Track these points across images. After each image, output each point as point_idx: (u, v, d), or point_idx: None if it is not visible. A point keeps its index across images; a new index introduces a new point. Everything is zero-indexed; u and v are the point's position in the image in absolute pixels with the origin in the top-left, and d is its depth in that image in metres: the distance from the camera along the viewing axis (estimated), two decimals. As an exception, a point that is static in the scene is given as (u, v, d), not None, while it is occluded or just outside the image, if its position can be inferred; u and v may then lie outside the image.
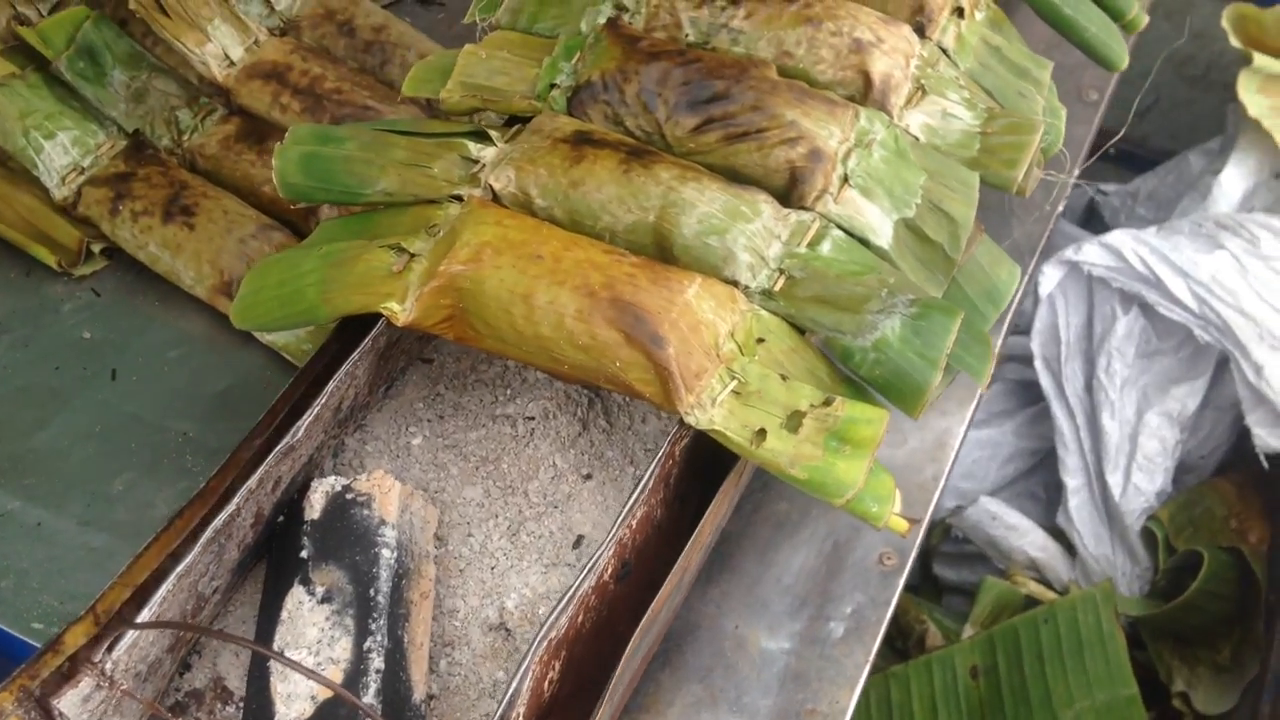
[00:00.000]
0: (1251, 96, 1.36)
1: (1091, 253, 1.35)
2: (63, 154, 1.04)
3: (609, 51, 0.83)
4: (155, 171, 1.04)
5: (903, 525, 0.70)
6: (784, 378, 0.71)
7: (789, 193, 0.80)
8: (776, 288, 0.75)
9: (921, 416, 0.99)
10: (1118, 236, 1.34)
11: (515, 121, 0.85)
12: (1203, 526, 1.36)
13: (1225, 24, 1.36)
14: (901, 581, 0.92)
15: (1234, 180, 1.39)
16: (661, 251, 0.75)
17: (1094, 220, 1.75)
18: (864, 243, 0.80)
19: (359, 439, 0.79)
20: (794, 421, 0.69)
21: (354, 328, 0.75)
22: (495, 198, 0.77)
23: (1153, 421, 1.35)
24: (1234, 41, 1.36)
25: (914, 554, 0.95)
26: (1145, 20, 1.07)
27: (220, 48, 1.12)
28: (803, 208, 0.80)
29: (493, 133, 0.80)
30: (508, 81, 0.85)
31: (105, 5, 1.15)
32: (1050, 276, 1.38)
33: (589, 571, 0.63)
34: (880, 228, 0.81)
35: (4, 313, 1.02)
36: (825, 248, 0.77)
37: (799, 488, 0.69)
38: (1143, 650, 1.39)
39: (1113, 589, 1.30)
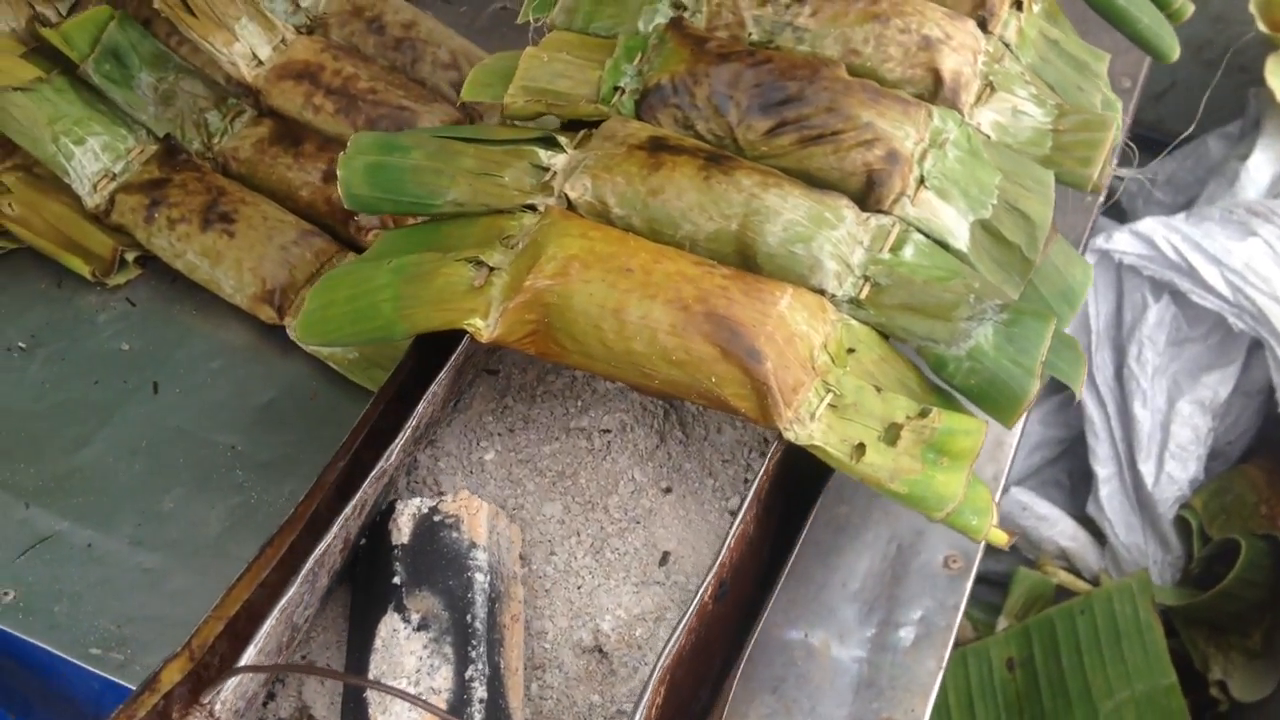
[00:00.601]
0: None
1: (1122, 241, 1.35)
2: (94, 160, 1.01)
3: (677, 53, 0.81)
4: (191, 177, 1.01)
5: (1002, 538, 0.69)
6: (878, 389, 0.70)
7: (866, 196, 0.78)
8: (863, 295, 0.73)
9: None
10: (1149, 224, 1.33)
11: (577, 126, 0.82)
12: (1235, 514, 1.36)
13: (1253, 8, 1.35)
14: (969, 584, 0.91)
15: (1262, 166, 1.39)
16: (744, 260, 0.74)
17: (1112, 207, 1.74)
18: (943, 246, 0.78)
19: (431, 455, 0.77)
20: (891, 434, 0.68)
21: (429, 344, 0.73)
22: (570, 207, 0.75)
23: (1185, 409, 1.35)
24: (1261, 27, 1.35)
25: (979, 555, 0.94)
26: (1190, 9, 1.06)
27: (248, 47, 1.09)
28: (880, 211, 0.78)
29: (562, 139, 0.78)
30: (570, 85, 0.83)
31: (128, 4, 1.11)
32: (1081, 265, 1.37)
33: (699, 598, 0.61)
34: (957, 230, 0.79)
35: (38, 325, 1.00)
36: (908, 253, 0.76)
37: (898, 502, 0.67)
38: (1174, 638, 1.39)
39: (1149, 579, 1.30)
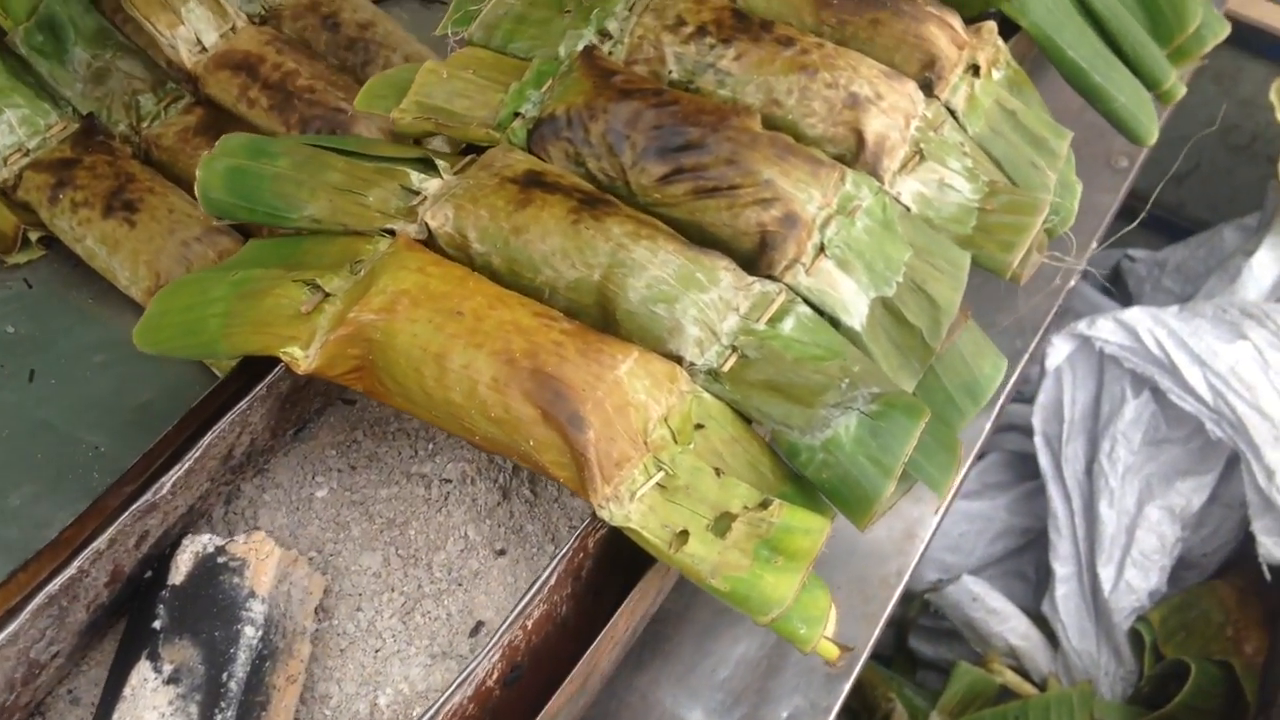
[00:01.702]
0: (1294, 178, 1.27)
1: (1105, 328, 1.27)
2: (8, 133, 0.98)
3: (579, 84, 0.76)
4: (102, 160, 0.97)
5: (832, 652, 0.62)
6: (719, 472, 0.64)
7: (758, 258, 0.72)
8: (725, 368, 0.67)
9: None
10: (1135, 314, 1.26)
11: (472, 151, 0.77)
12: (1196, 632, 1.27)
13: (1273, 98, 1.27)
14: (847, 686, 0.85)
15: (1266, 265, 1.30)
16: (605, 315, 0.68)
17: (1119, 287, 1.66)
18: (834, 322, 0.72)
19: (258, 485, 0.72)
20: (723, 524, 0.62)
21: (260, 365, 0.68)
22: (431, 237, 0.70)
23: (1153, 515, 1.26)
24: (1280, 118, 1.27)
25: (864, 657, 0.87)
26: (1183, 91, 0.98)
27: (193, 32, 1.05)
28: (770, 277, 0.72)
29: (440, 162, 0.73)
30: (468, 105, 0.78)
31: (77, -24, 1.08)
32: (1059, 349, 1.30)
33: (461, 682, 0.56)
34: (854, 305, 0.73)
35: (-74, 296, 0.96)
36: (787, 325, 0.69)
37: (720, 599, 0.61)
38: (1120, 754, 1.31)
39: (1092, 691, 1.21)
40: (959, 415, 0.77)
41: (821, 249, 0.73)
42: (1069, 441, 1.32)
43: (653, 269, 0.67)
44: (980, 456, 1.49)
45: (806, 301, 0.72)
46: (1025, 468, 1.45)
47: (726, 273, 0.69)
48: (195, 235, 0.94)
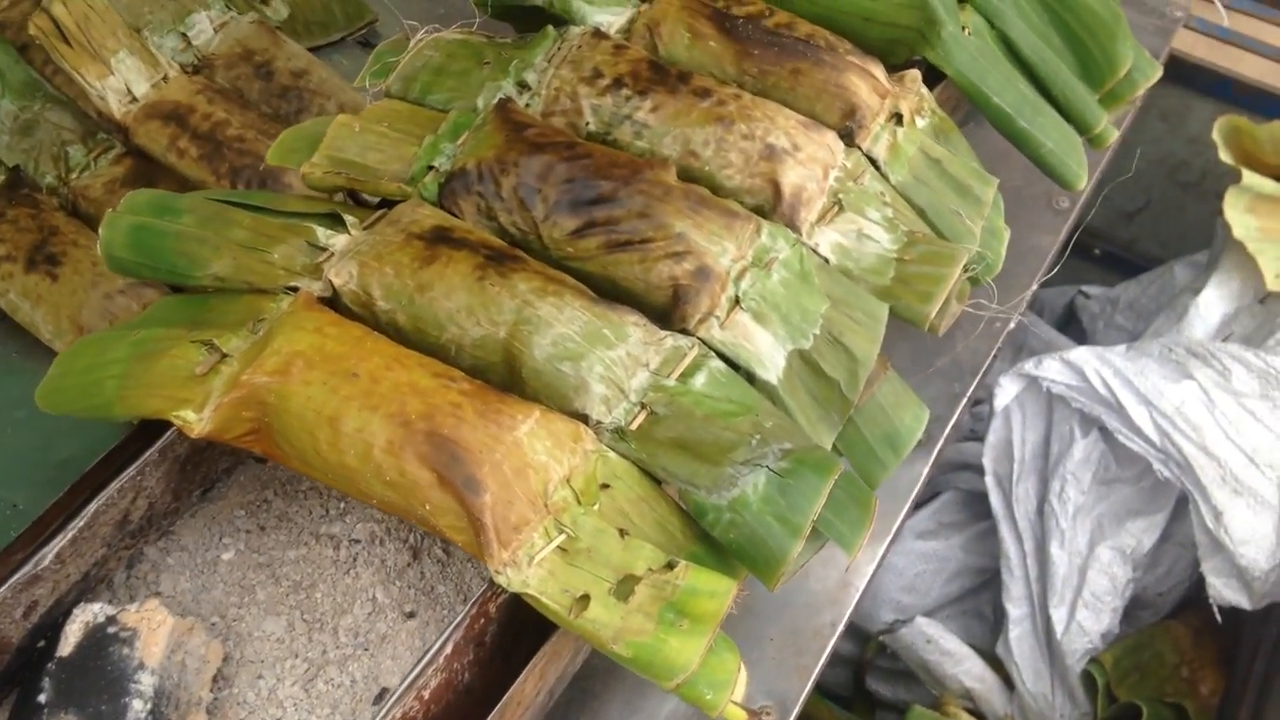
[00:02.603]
0: (1239, 216, 1.26)
1: (1052, 368, 1.26)
2: (-69, 187, 0.97)
3: (491, 138, 0.75)
4: (25, 214, 0.96)
5: (740, 717, 0.61)
6: (624, 533, 0.62)
7: (671, 312, 0.72)
8: (633, 425, 0.66)
9: (829, 549, 0.90)
10: (1081, 354, 1.25)
11: (388, 206, 0.76)
12: (1150, 674, 1.26)
13: (1216, 136, 1.27)
14: (779, 743, 0.83)
15: (1213, 304, 1.30)
16: (511, 373, 0.67)
17: (1073, 323, 1.66)
18: (750, 376, 0.71)
19: (162, 548, 0.70)
20: (627, 587, 0.61)
21: (157, 427, 0.67)
22: (336, 294, 0.69)
23: (1104, 556, 1.25)
24: (1224, 156, 1.27)
25: (798, 708, 0.85)
26: (1114, 135, 0.98)
27: (123, 82, 1.04)
28: (684, 331, 0.71)
29: (349, 217, 0.72)
30: (381, 159, 0.77)
31: (7, 29, 1.08)
32: (1007, 389, 1.29)
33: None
34: (771, 359, 0.72)
35: None
36: (699, 381, 0.68)
37: (623, 665, 0.60)
38: (1076, 798, 1.29)
39: (1044, 735, 1.20)
40: (881, 467, 0.76)
41: (736, 302, 0.72)
42: (1020, 481, 1.32)
43: (559, 326, 0.66)
44: (932, 498, 1.48)
45: (721, 356, 0.71)
46: (980, 507, 1.44)
47: (636, 328, 0.68)
48: (119, 288, 0.93)
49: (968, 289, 0.82)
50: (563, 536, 0.61)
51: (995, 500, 1.33)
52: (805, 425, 0.72)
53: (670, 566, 0.61)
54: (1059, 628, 1.27)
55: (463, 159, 0.75)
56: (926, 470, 1.00)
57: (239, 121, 1.04)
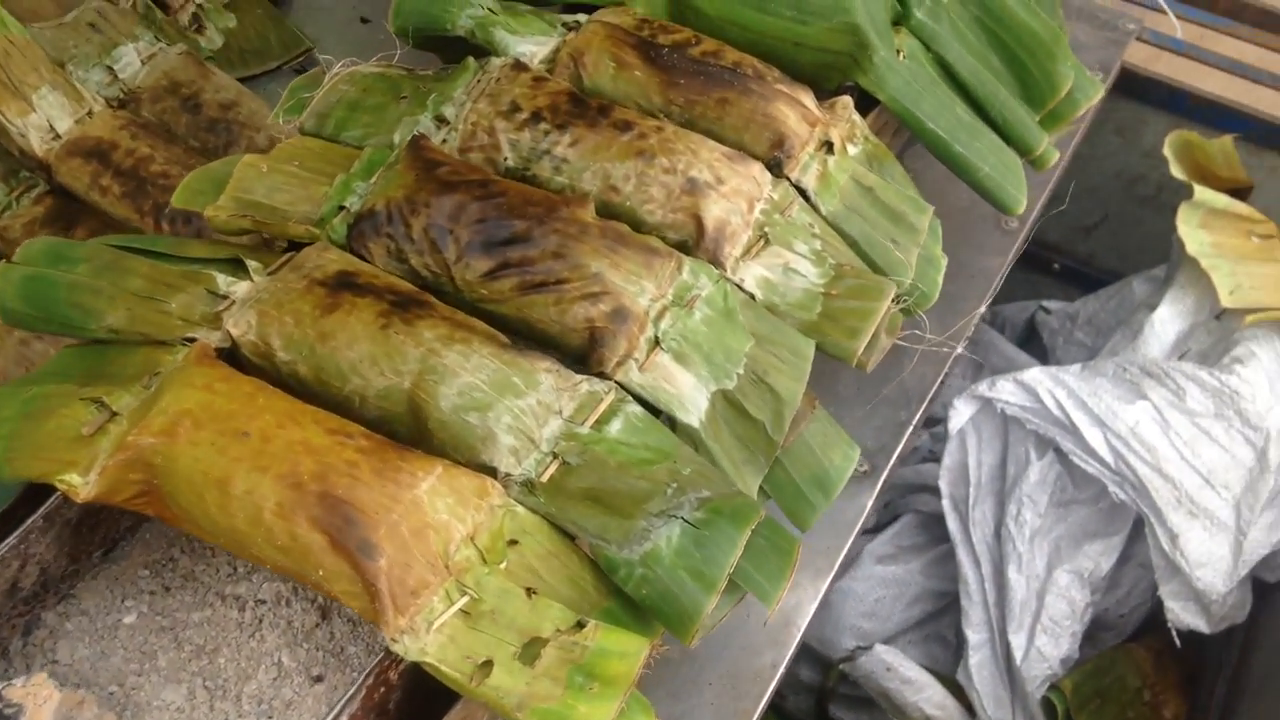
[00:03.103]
0: (1192, 231, 1.25)
1: (1006, 389, 1.24)
2: None
3: (401, 177, 0.73)
4: (-62, 256, 0.93)
5: (654, 782, 0.59)
6: (532, 593, 0.60)
7: (588, 356, 0.69)
8: (544, 477, 0.64)
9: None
10: (1034, 375, 1.23)
11: (296, 249, 0.74)
12: (1112, 698, 1.24)
13: (1167, 151, 1.25)
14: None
15: (1168, 321, 1.28)
16: (417, 424, 0.65)
17: (1034, 339, 1.64)
18: (671, 419, 0.69)
19: (61, 613, 0.67)
20: (533, 650, 0.58)
21: (46, 489, 0.64)
22: (235, 346, 0.66)
23: (1062, 580, 1.23)
24: (1175, 172, 1.25)
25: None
26: (1056, 156, 0.96)
27: (45, 119, 1.02)
28: (602, 374, 0.69)
29: (251, 263, 0.70)
30: (289, 200, 0.75)
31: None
32: (961, 411, 1.27)
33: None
34: (693, 400, 0.70)
35: None
36: (615, 427, 0.66)
37: (531, 732, 0.57)
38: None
39: (1004, 765, 1.18)
40: (810, 509, 0.74)
41: (656, 343, 0.70)
42: (976, 504, 1.30)
43: (465, 375, 0.64)
44: (891, 521, 1.46)
45: (640, 399, 0.69)
46: (940, 529, 1.41)
47: (548, 374, 0.66)
48: (36, 334, 0.91)
49: (899, 320, 0.80)
50: (465, 599, 0.59)
51: (952, 524, 1.31)
52: (729, 468, 0.70)
53: (580, 626, 0.59)
54: (1018, 654, 1.24)
55: (372, 199, 0.72)
56: (871, 502, 0.98)
57: (163, 157, 1.01)
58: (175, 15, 1.21)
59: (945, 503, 1.31)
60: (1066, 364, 1.54)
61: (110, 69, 1.08)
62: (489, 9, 0.86)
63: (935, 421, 1.49)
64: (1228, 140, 1.26)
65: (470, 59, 0.83)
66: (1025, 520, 1.25)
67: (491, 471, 0.63)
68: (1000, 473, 1.29)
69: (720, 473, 0.68)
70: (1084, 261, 1.63)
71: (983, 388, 1.25)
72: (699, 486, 0.65)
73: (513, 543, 0.62)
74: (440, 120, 0.79)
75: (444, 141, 0.78)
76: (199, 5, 1.22)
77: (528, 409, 0.64)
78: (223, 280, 0.68)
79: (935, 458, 1.42)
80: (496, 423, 0.63)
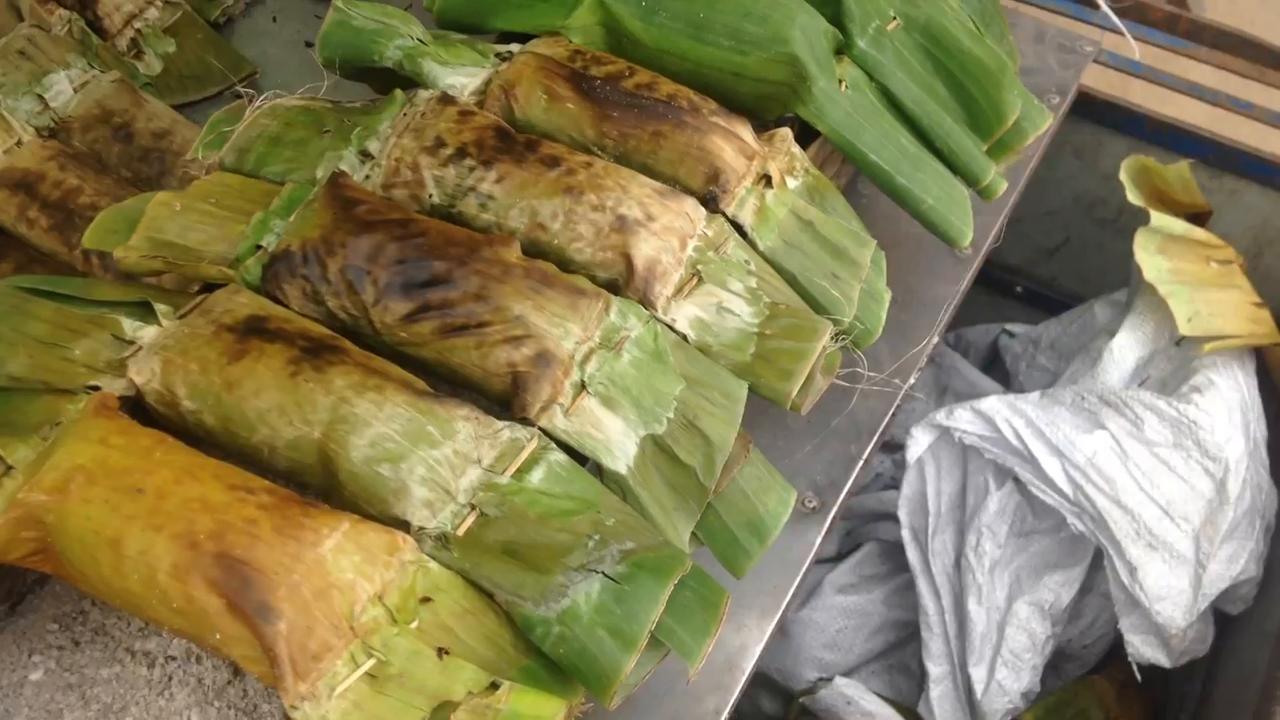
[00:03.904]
0: (1150, 257, 1.23)
1: (963, 418, 1.22)
2: None
3: (318, 216, 0.70)
4: None
5: None
6: (444, 653, 0.57)
7: (511, 401, 0.67)
8: (460, 530, 0.61)
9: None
10: (992, 403, 1.21)
11: (211, 291, 0.71)
12: (1073, 732, 1.22)
13: (1123, 177, 1.24)
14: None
15: (1127, 348, 1.26)
16: (328, 476, 0.62)
17: (997, 363, 1.62)
18: (598, 466, 0.67)
19: (-41, 672, 0.64)
20: (442, 715, 0.56)
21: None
22: (140, 395, 0.64)
23: (1022, 612, 1.21)
24: (1132, 198, 1.24)
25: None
26: (1004, 186, 0.94)
27: (-30, 149, 0.99)
28: (525, 420, 0.67)
29: (160, 307, 0.67)
30: (204, 239, 0.72)
31: None
32: (919, 440, 1.25)
33: None
34: (621, 446, 0.67)
35: None
36: (536, 477, 0.64)
37: (438, 803, 0.55)
38: None
39: (963, 803, 1.15)
40: (745, 555, 0.71)
41: (583, 387, 0.68)
42: (936, 534, 1.28)
43: (377, 425, 0.61)
44: (853, 550, 1.44)
45: (564, 446, 0.66)
46: (903, 558, 1.39)
47: (466, 423, 0.64)
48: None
49: (837, 359, 0.78)
50: (371, 662, 0.56)
51: (912, 554, 1.29)
52: (659, 516, 0.68)
53: (494, 688, 0.57)
54: (979, 687, 1.22)
55: (287, 239, 0.70)
56: (820, 538, 0.96)
57: (92, 189, 0.99)
58: (113, 40, 1.18)
59: (905, 533, 1.29)
60: (1029, 388, 1.53)
61: (41, 97, 1.06)
62: (419, 39, 0.84)
63: (897, 447, 1.47)
64: (1184, 166, 1.25)
65: (398, 91, 0.80)
66: (985, 551, 1.23)
67: (404, 525, 0.61)
68: (960, 502, 1.28)
69: (647, 522, 0.66)
70: (1046, 284, 1.61)
71: (940, 416, 1.23)
72: (623, 538, 0.62)
73: (425, 600, 0.59)
74: (365, 155, 0.77)
75: (367, 178, 0.76)
76: (138, 30, 1.19)
77: (443, 459, 0.62)
78: (129, 325, 0.66)
79: (897, 484, 1.40)
80: (410, 474, 0.61)
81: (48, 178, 0.98)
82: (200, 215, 0.73)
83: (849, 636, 1.38)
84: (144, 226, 0.72)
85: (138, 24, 1.19)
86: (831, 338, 0.77)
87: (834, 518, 0.98)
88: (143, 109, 1.06)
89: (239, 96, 1.22)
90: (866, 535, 1.45)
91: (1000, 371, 1.60)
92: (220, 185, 0.75)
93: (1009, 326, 1.61)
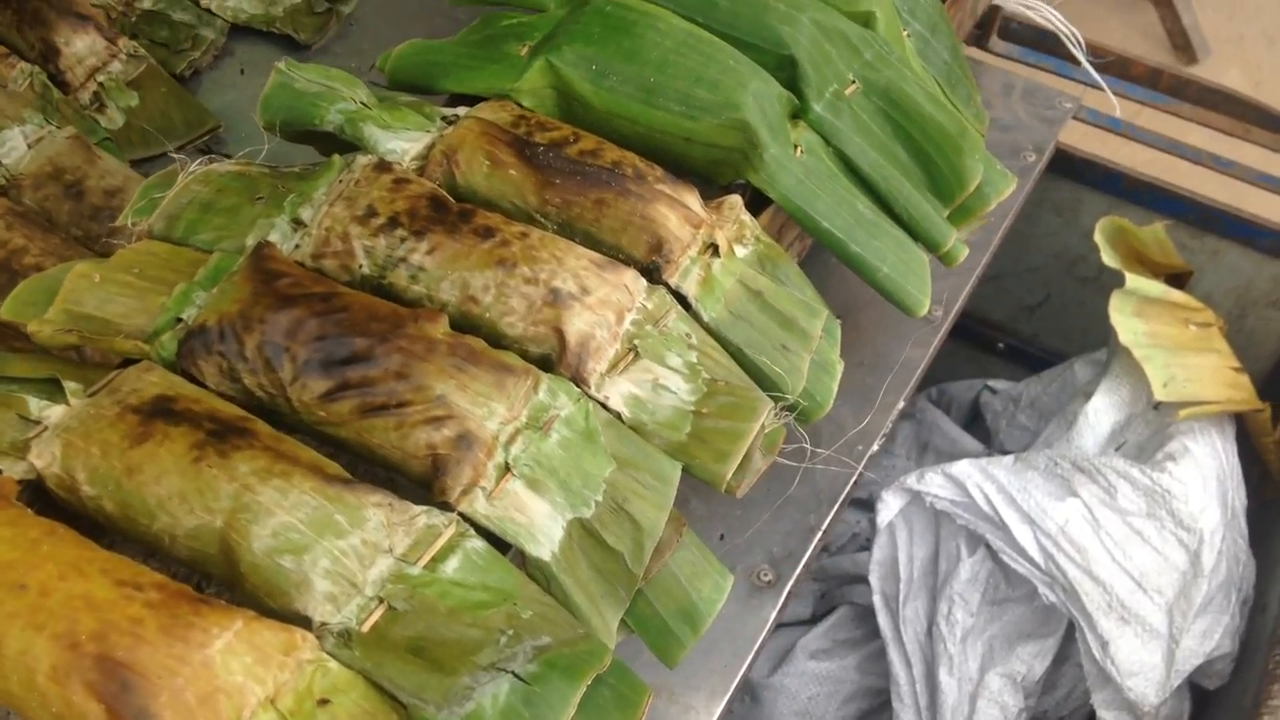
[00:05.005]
0: (1126, 320, 1.21)
1: (934, 483, 1.19)
2: None
3: (237, 289, 0.68)
4: None
5: None
6: (339, 760, 0.55)
7: (431, 485, 0.64)
8: (366, 626, 0.59)
9: (660, 706, 0.83)
10: (963, 467, 1.18)
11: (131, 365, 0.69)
12: (1047, 809, 1.18)
13: (1098, 238, 1.22)
14: None
15: (1102, 412, 1.24)
16: (230, 567, 0.60)
17: (980, 419, 1.60)
18: (522, 552, 0.64)
19: None
20: (335, 826, 0.53)
21: None
22: (40, 479, 0.61)
23: (994, 684, 1.18)
24: (1107, 259, 1.21)
25: None
26: (965, 252, 0.92)
27: (-82, 206, 0.98)
28: (445, 504, 0.64)
29: (69, 385, 0.65)
30: (123, 312, 0.70)
31: None
32: (890, 505, 1.22)
33: None
34: (546, 531, 0.65)
35: None
36: (450, 566, 0.61)
37: None
38: None
39: None
40: (677, 644, 0.69)
41: (507, 469, 0.65)
42: (908, 601, 1.24)
43: (281, 514, 0.59)
44: (827, 613, 1.40)
45: (486, 532, 0.64)
46: (869, 624, 1.36)
47: (378, 510, 0.61)
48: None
49: (781, 436, 0.75)
50: (260, 769, 0.53)
51: (883, 621, 1.26)
52: (585, 604, 0.65)
53: (390, 798, 0.54)
54: (950, 761, 1.19)
55: (205, 314, 0.68)
56: (774, 614, 0.93)
57: (39, 248, 0.97)
58: (75, 94, 1.17)
59: (876, 599, 1.26)
60: (1010, 447, 1.50)
61: (-7, 154, 1.04)
62: (361, 103, 0.82)
63: (874, 506, 1.44)
64: (1158, 227, 1.23)
65: (336, 156, 0.79)
66: (957, 620, 1.20)
67: (307, 621, 0.58)
68: (932, 568, 1.24)
69: (569, 613, 0.63)
70: (1028, 341, 1.59)
71: (911, 480, 1.21)
72: (539, 632, 0.60)
73: (323, 702, 0.56)
74: (298, 223, 0.75)
75: (297, 246, 0.74)
76: (100, 84, 1.18)
77: (350, 550, 0.59)
78: (35, 404, 0.64)
79: (868, 546, 1.37)
80: (313, 567, 0.58)
81: (-8, 237, 0.97)
82: (121, 286, 0.71)
83: (821, 704, 1.35)
84: (62, 298, 0.70)
85: (100, 77, 1.18)
86: (778, 412, 0.74)
87: (789, 591, 0.95)
88: (95, 166, 1.05)
89: (203, 151, 1.22)
90: (841, 598, 1.41)
91: (982, 428, 1.57)
92: (146, 254, 0.73)
93: (991, 383, 1.58)
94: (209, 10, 1.27)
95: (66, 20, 1.17)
